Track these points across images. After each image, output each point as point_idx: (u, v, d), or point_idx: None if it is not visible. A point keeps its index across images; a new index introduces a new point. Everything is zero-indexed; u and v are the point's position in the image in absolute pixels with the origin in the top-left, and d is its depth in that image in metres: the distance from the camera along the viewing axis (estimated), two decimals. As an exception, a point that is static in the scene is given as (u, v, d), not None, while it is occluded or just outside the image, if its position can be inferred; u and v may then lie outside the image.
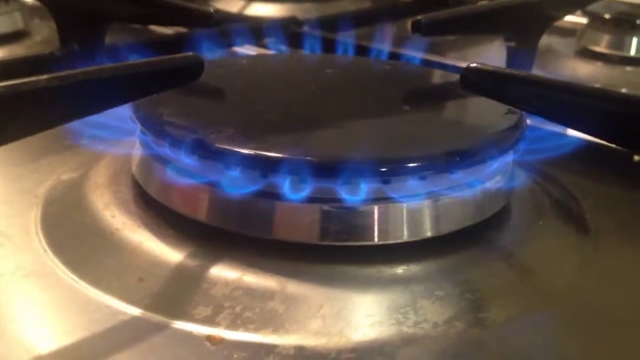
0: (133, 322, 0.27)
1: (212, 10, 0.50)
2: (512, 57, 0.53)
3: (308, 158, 0.30)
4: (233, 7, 0.73)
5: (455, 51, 0.64)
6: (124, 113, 0.35)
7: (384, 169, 0.30)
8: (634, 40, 0.62)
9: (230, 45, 0.57)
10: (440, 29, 0.49)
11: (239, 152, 0.30)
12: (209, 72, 0.35)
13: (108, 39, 0.53)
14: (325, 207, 0.30)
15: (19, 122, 0.28)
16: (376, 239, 0.31)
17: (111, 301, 0.28)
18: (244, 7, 0.73)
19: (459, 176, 0.32)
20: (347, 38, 0.57)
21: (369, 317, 0.28)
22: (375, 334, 0.27)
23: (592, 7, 0.64)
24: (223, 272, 0.30)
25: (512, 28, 0.53)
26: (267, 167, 0.30)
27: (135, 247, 0.31)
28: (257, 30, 0.60)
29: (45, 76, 0.28)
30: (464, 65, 0.36)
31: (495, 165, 0.34)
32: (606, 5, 0.65)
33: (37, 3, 0.61)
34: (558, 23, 0.59)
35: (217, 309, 0.27)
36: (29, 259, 0.31)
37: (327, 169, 0.30)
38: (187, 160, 0.32)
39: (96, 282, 0.29)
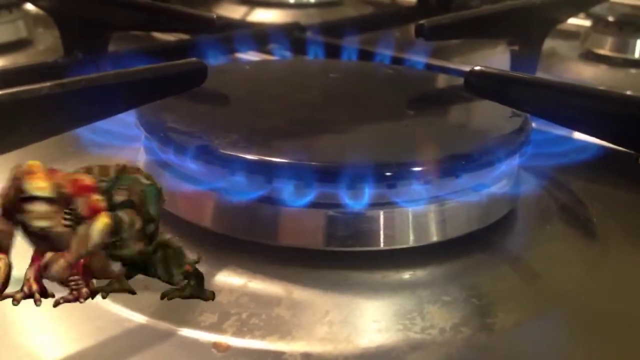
0: (139, 330, 0.27)
1: (214, 16, 0.50)
2: (516, 61, 0.53)
3: (313, 163, 0.30)
4: (236, 14, 0.73)
5: (458, 55, 0.64)
6: (128, 119, 0.35)
7: (389, 174, 0.30)
8: (638, 43, 0.62)
9: (233, 51, 0.57)
10: (443, 33, 0.49)
11: (243, 157, 0.30)
12: (212, 78, 0.35)
13: (111, 47, 0.53)
14: (331, 212, 0.30)
15: (22, 130, 0.28)
16: (382, 244, 0.31)
17: (117, 309, 0.28)
18: (247, 13, 0.73)
19: (465, 180, 0.32)
20: (350, 43, 0.57)
21: (375, 322, 0.27)
22: (382, 340, 0.27)
23: (596, 10, 0.64)
24: (229, 278, 0.30)
25: (515, 32, 0.53)
26: (272, 172, 0.30)
27: (140, 254, 0.31)
28: (260, 36, 0.60)
29: (48, 83, 0.28)
30: (467, 69, 0.36)
31: (500, 169, 0.34)
32: (609, 8, 0.65)
33: (41, 11, 0.61)
34: (561, 26, 0.59)
35: (223, 316, 0.27)
36: (34, 267, 0.31)
37: (332, 174, 0.30)
38: (192, 166, 0.32)
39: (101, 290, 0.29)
